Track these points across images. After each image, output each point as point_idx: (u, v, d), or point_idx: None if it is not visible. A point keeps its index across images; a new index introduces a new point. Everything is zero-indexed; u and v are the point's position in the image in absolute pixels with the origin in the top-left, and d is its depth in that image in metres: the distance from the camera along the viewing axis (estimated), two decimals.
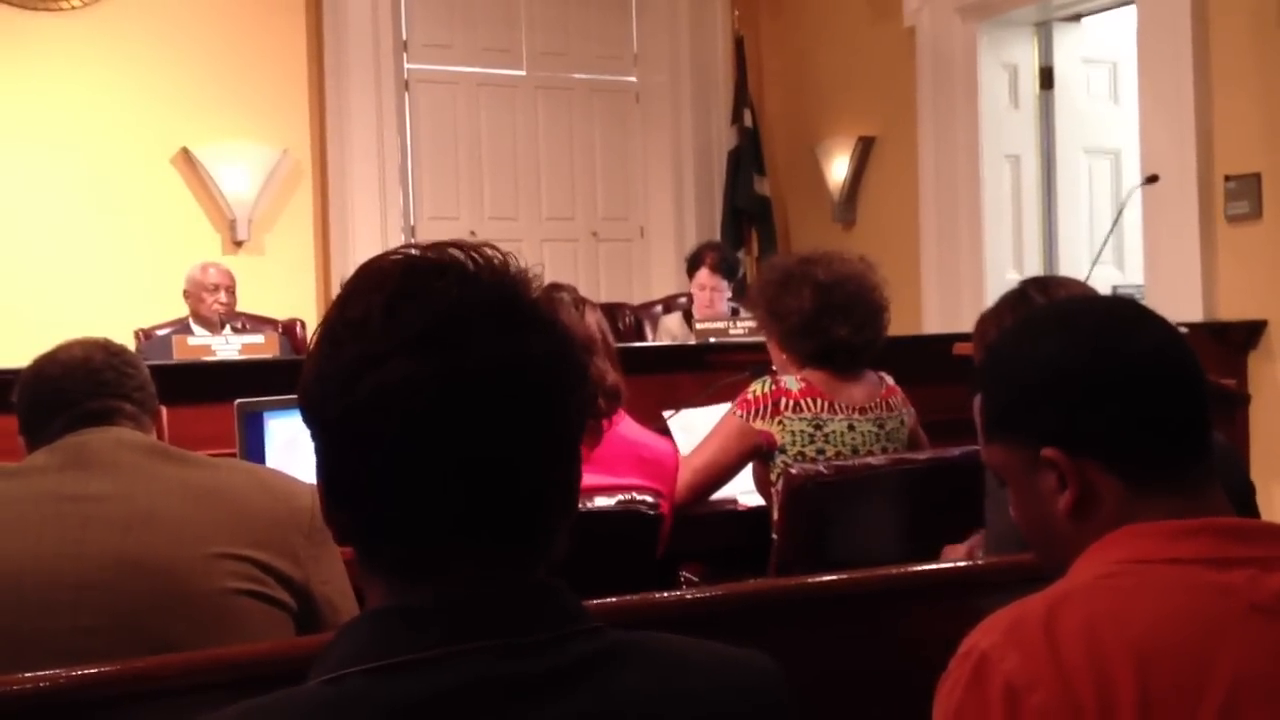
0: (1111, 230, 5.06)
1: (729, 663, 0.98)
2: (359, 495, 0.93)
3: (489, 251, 0.96)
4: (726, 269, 5.60)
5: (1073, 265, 5.92)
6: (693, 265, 5.64)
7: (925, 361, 3.50)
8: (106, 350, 1.88)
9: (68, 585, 1.60)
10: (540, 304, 0.96)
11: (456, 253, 0.95)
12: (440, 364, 0.89)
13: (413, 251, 0.97)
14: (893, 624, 1.75)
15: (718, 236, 7.12)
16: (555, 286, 2.70)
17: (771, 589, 1.89)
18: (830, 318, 2.79)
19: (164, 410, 1.96)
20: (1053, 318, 1.25)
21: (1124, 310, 1.22)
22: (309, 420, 0.95)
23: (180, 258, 5.84)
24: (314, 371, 0.94)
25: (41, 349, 1.92)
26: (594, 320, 2.66)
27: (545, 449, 0.94)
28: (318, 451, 0.95)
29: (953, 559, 2.30)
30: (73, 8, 6.34)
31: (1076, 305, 1.33)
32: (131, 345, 4.98)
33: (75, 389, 1.80)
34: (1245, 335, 4.88)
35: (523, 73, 7.37)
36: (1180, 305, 4.87)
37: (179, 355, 4.32)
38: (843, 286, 2.81)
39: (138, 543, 1.63)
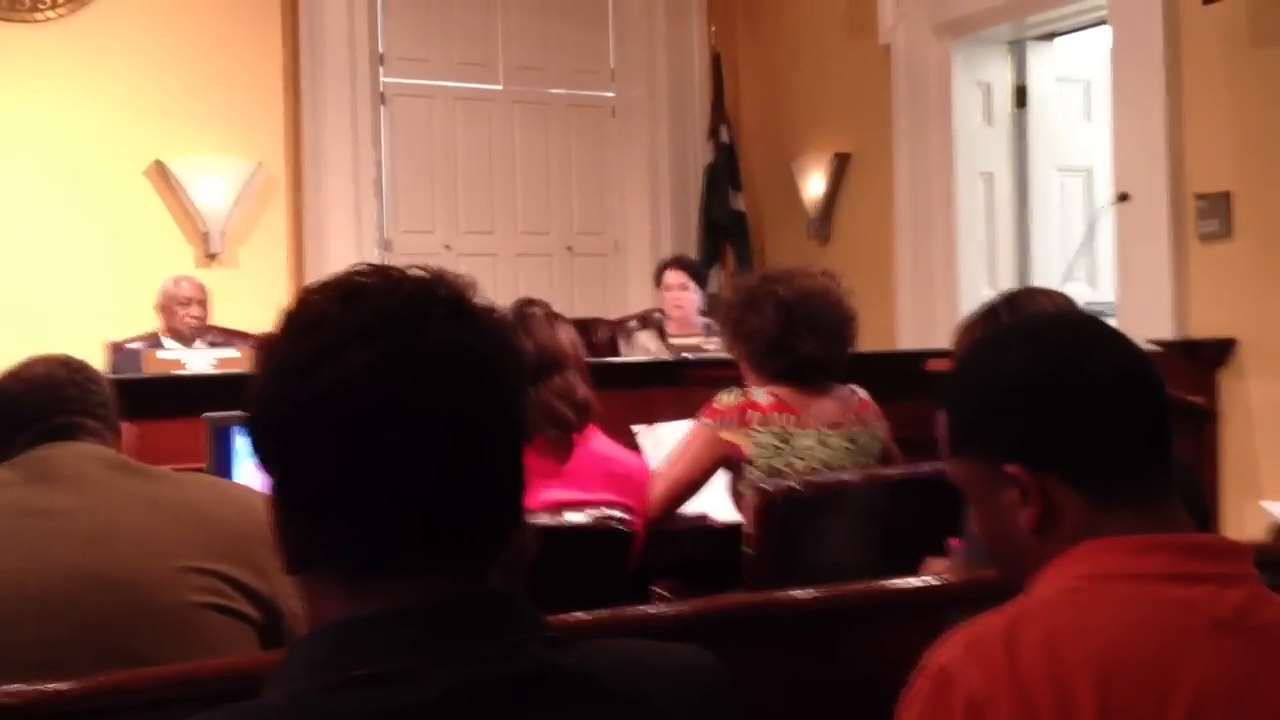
0: (1083, 247, 5.09)
1: (677, 658, 1.01)
2: (314, 499, 0.92)
3: (424, 267, 0.98)
4: (691, 268, 5.76)
5: (1046, 282, 5.93)
6: (658, 273, 5.80)
7: (898, 377, 3.50)
8: (68, 367, 1.87)
9: (31, 598, 1.59)
10: (484, 305, 0.97)
11: (393, 269, 0.97)
12: (399, 350, 0.89)
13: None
14: (865, 639, 1.75)
15: (694, 251, 7.14)
16: (528, 302, 2.71)
17: (743, 604, 1.89)
18: (796, 334, 2.80)
19: (132, 425, 1.95)
20: (1016, 334, 1.27)
21: (1087, 327, 1.23)
22: (261, 428, 0.94)
23: (153, 270, 5.82)
24: (267, 371, 0.94)
25: (11, 360, 1.91)
26: (566, 336, 2.67)
27: (499, 445, 0.95)
28: (269, 461, 0.94)
29: (934, 572, 2.30)
30: (48, 19, 6.31)
31: (1040, 322, 1.35)
32: (103, 358, 4.97)
33: (38, 406, 1.80)
34: (1215, 353, 4.92)
35: (499, 87, 7.37)
36: (1152, 322, 4.90)
37: (149, 369, 4.30)
38: (807, 302, 2.82)
39: (101, 556, 1.62)
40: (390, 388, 0.89)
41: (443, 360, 0.91)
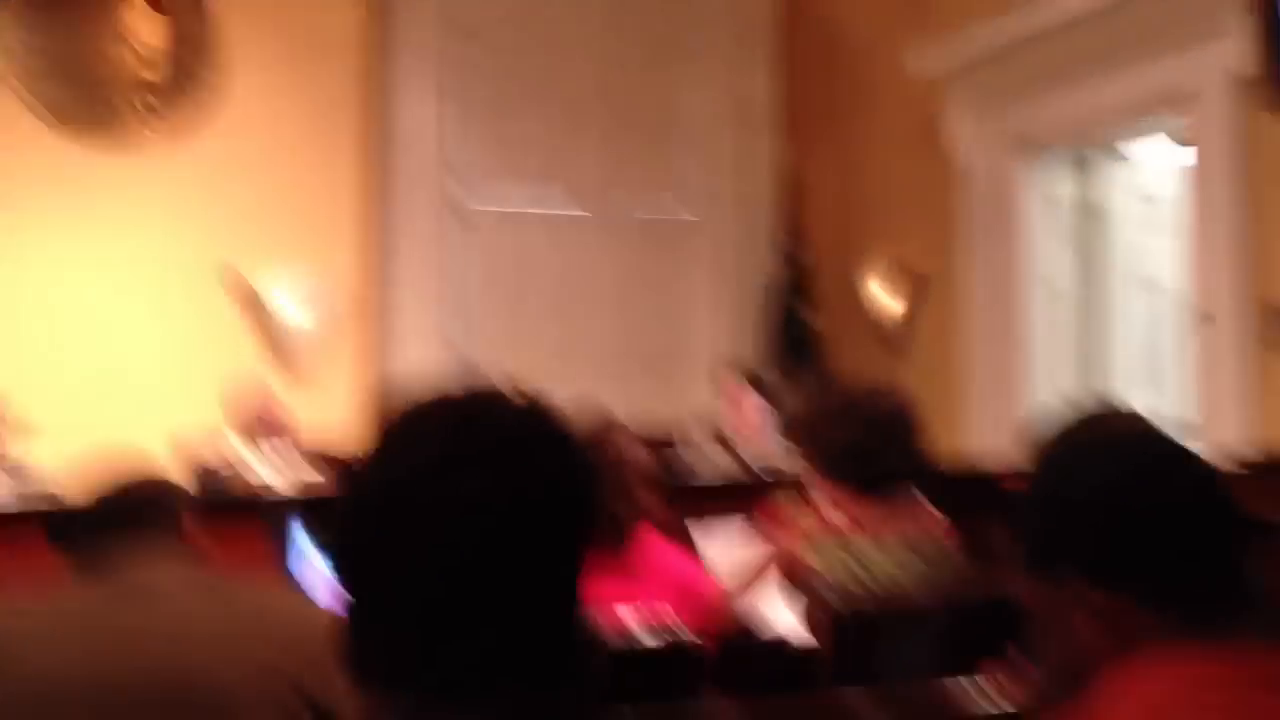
0: (1160, 363, 5.03)
1: None
2: (391, 618, 0.92)
3: (522, 393, 0.99)
4: (759, 384, 5.97)
5: (1121, 397, 5.88)
6: (726, 389, 6.02)
7: (971, 495, 3.46)
8: (156, 484, 1.95)
9: (110, 706, 1.62)
10: (580, 438, 0.98)
11: (495, 390, 0.98)
12: (500, 481, 0.90)
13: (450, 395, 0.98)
14: None
15: (768, 367, 7.17)
16: (602, 419, 2.74)
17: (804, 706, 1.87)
18: (868, 447, 2.80)
19: (205, 535, 1.99)
20: (1090, 454, 1.25)
21: (1162, 448, 1.22)
22: (348, 543, 0.94)
23: (234, 386, 5.97)
24: (361, 484, 0.94)
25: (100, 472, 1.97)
26: (639, 453, 2.70)
27: (576, 579, 0.95)
28: (349, 577, 0.94)
29: (992, 676, 2.25)
30: (144, 155, 6.61)
31: (1114, 441, 1.33)
32: (184, 470, 5.06)
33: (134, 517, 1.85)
34: None
35: (576, 210, 7.51)
36: (1231, 439, 4.80)
37: (227, 484, 4.38)
38: (879, 417, 2.83)
39: (176, 662, 1.65)
40: (491, 517, 0.90)
41: (550, 493, 0.92)
